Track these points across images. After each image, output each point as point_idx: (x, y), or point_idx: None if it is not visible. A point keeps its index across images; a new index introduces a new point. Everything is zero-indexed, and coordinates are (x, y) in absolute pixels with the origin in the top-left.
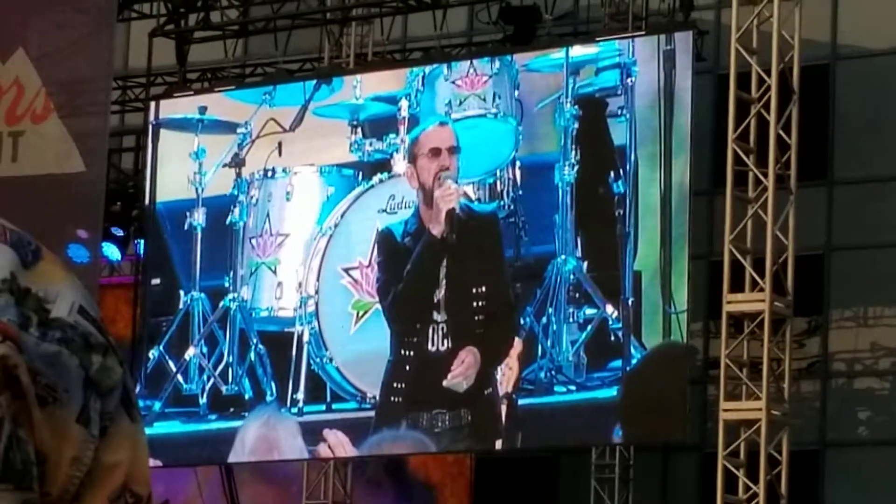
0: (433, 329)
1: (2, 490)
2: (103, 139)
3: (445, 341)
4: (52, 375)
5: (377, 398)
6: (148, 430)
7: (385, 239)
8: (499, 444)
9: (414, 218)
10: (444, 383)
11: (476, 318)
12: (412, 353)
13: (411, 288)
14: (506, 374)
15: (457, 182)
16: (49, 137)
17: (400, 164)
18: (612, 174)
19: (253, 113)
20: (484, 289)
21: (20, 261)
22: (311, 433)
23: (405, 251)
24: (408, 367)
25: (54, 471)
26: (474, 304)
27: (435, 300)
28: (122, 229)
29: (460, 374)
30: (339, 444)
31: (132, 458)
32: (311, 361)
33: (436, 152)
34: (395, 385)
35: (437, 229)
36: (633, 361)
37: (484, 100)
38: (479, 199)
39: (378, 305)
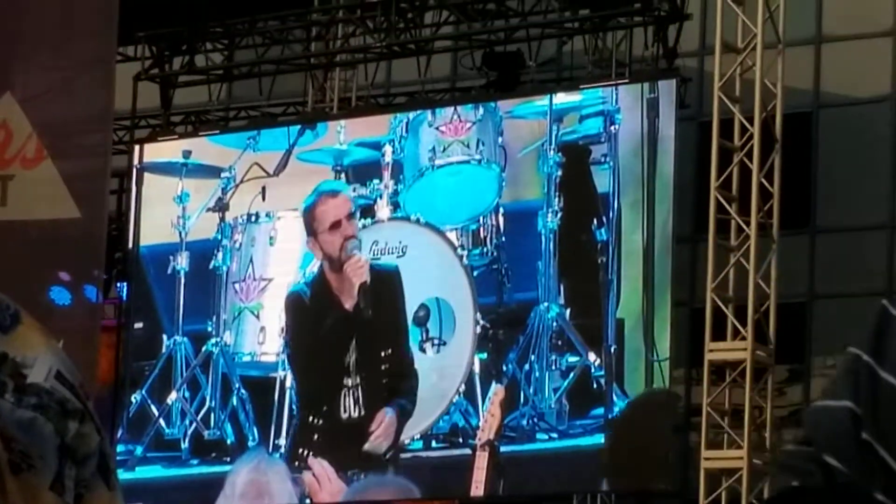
0: (345, 394)
1: None
2: (101, 182)
3: (357, 407)
4: (27, 442)
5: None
6: (130, 475)
7: (294, 302)
8: None
9: (320, 279)
10: (365, 447)
11: (383, 380)
12: (320, 420)
13: (322, 359)
14: (488, 421)
15: (360, 249)
16: (40, 182)
17: (384, 209)
18: (595, 221)
19: (237, 157)
20: (390, 351)
21: None
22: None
23: (313, 314)
24: (316, 436)
25: None
26: (382, 366)
27: (345, 365)
28: (105, 272)
29: (381, 434)
30: (323, 474)
31: None
32: (294, 407)
33: (336, 224)
34: (300, 451)
35: (349, 303)
36: (616, 409)
37: (468, 146)
38: (462, 246)
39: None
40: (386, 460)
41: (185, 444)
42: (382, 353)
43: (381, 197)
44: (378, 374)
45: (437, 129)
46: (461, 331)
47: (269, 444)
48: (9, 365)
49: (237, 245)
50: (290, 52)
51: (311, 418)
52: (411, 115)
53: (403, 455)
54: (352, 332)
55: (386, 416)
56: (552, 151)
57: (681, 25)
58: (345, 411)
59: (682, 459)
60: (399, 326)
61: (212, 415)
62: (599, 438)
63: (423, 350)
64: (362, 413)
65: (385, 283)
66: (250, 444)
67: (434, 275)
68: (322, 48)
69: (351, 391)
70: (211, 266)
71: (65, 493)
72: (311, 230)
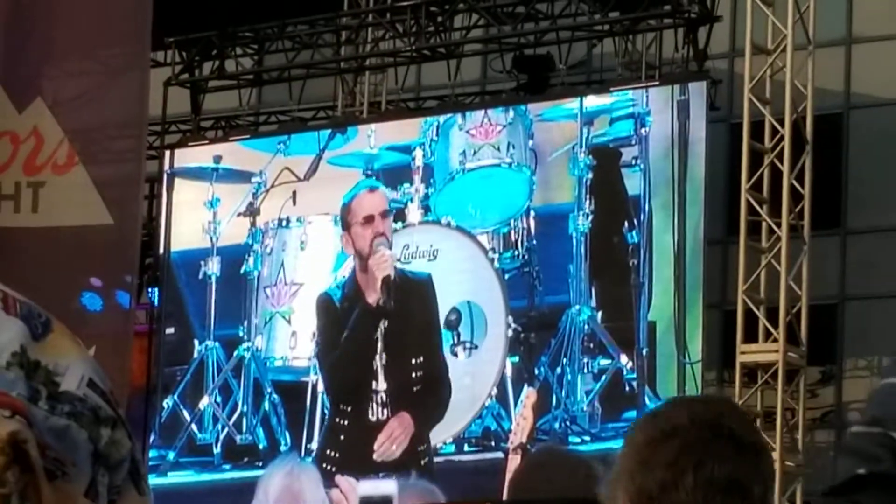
0: (373, 398)
1: None
2: (133, 187)
3: (385, 410)
4: (61, 449)
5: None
6: (162, 480)
7: (324, 304)
8: None
9: (351, 282)
10: (375, 456)
11: (414, 388)
12: (345, 421)
13: (349, 356)
14: (520, 425)
15: (390, 248)
16: (72, 188)
17: (414, 213)
18: (626, 224)
19: (268, 162)
20: (421, 359)
21: (30, 333)
22: (329, 481)
23: (343, 315)
24: (342, 437)
25: None
26: (413, 374)
27: (374, 368)
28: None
29: (385, 440)
30: (351, 491)
31: None
32: (326, 411)
33: (369, 219)
34: (328, 452)
35: (372, 297)
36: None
37: (498, 149)
38: (493, 249)
39: None
40: (421, 465)
41: (217, 449)
42: (413, 361)
43: (411, 201)
44: (408, 381)
45: (467, 132)
46: (493, 334)
47: (301, 449)
48: (42, 373)
49: (268, 250)
50: (319, 56)
51: (338, 419)
52: (441, 118)
53: (437, 459)
54: (376, 326)
55: (396, 421)
56: (583, 154)
57: (711, 27)
58: (372, 414)
59: None
60: (431, 335)
61: (244, 420)
62: None
63: (454, 354)
64: (389, 416)
65: (416, 292)
66: (282, 448)
67: (465, 278)
68: (352, 52)
69: (379, 395)
70: (242, 271)
71: (98, 500)
72: (346, 223)
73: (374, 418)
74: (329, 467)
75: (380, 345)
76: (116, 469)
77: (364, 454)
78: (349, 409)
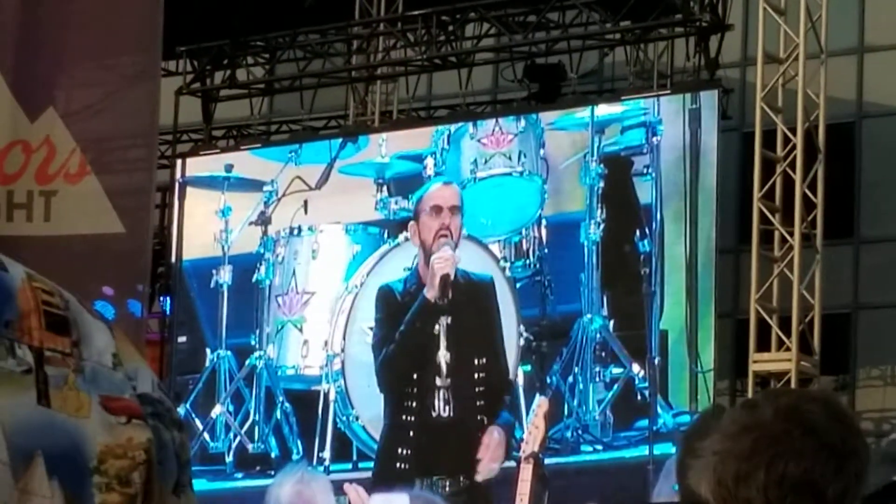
0: (435, 393)
1: None
2: (145, 196)
3: (447, 407)
4: None
5: (376, 464)
6: None
7: (385, 296)
8: None
9: (413, 276)
10: (478, 478)
11: (477, 389)
12: (412, 417)
13: (405, 349)
14: (532, 434)
15: (454, 249)
16: (84, 197)
17: None
18: (637, 233)
19: (279, 171)
20: (484, 360)
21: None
22: (338, 490)
23: (404, 309)
24: (411, 433)
25: None
26: (475, 374)
27: (436, 363)
28: (148, 287)
29: (489, 458)
30: (359, 501)
31: None
32: (338, 420)
33: (437, 209)
34: (398, 451)
35: (431, 293)
36: (660, 421)
37: (509, 158)
38: (504, 258)
39: None
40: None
41: (229, 458)
42: (476, 361)
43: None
44: (471, 381)
45: (478, 141)
46: (505, 343)
47: (314, 458)
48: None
49: (280, 259)
50: (331, 65)
51: (403, 416)
52: (453, 127)
53: None
54: (436, 322)
55: (494, 438)
56: (594, 163)
57: (722, 36)
58: (434, 410)
59: None
60: (494, 338)
61: (256, 428)
62: (643, 450)
63: None
64: (452, 414)
65: (478, 292)
66: (294, 457)
67: None
68: (363, 61)
69: (442, 391)
70: (254, 280)
71: (182, 498)
72: (416, 214)
73: (435, 413)
74: (402, 466)
75: (443, 341)
76: (184, 470)
77: (435, 453)
78: (413, 404)
